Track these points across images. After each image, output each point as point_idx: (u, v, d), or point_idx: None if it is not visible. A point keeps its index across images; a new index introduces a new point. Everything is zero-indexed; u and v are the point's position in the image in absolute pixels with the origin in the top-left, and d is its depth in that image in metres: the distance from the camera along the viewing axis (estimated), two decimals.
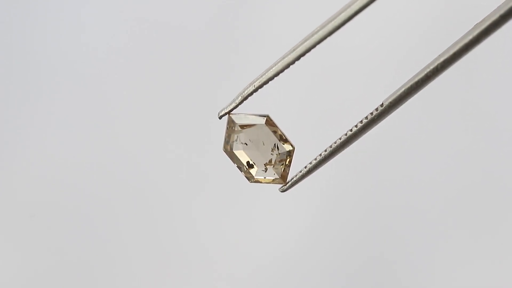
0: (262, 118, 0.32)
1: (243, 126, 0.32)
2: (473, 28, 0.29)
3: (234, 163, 0.32)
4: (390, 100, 0.30)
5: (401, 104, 0.30)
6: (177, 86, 0.65)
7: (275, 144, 0.32)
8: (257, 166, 0.31)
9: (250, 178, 0.32)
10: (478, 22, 0.29)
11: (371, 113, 0.30)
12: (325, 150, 0.31)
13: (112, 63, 0.65)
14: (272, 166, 0.31)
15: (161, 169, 0.64)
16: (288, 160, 0.32)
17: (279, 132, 0.32)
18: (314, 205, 0.63)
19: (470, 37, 0.29)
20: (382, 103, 0.30)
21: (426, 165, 0.63)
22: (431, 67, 0.30)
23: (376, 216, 0.63)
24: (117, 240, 0.63)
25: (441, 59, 0.29)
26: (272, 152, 0.32)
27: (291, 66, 0.35)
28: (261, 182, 0.32)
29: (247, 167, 0.32)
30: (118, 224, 0.63)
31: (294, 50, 0.34)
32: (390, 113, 0.30)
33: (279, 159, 0.32)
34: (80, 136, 0.64)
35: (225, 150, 0.32)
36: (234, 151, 0.32)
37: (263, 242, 0.63)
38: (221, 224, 0.63)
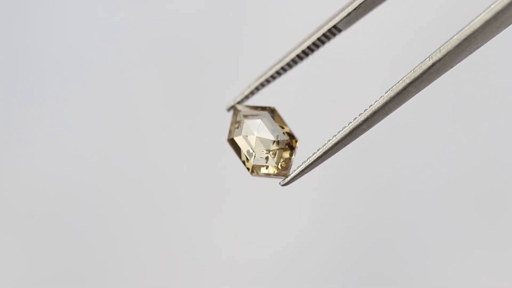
0: (267, 109, 0.32)
1: (247, 116, 0.31)
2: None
3: (236, 153, 0.32)
4: (392, 88, 0.29)
5: (406, 94, 0.29)
6: (183, 83, 0.65)
7: (278, 136, 0.31)
8: (257, 154, 0.31)
9: (250, 168, 0.31)
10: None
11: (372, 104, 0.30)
12: (328, 142, 0.30)
13: (116, 63, 0.65)
14: (273, 157, 0.31)
15: (165, 166, 0.64)
16: (290, 152, 0.31)
17: (284, 125, 0.32)
18: (314, 197, 0.63)
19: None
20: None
21: (431, 154, 0.62)
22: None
23: (377, 212, 0.62)
24: (120, 239, 0.64)
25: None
26: (274, 143, 0.31)
27: (301, 60, 0.34)
28: (261, 175, 0.31)
29: (247, 156, 0.31)
30: (122, 223, 0.64)
31: (301, 43, 0.33)
32: (395, 105, 0.29)
33: (281, 151, 0.31)
34: (83, 134, 0.65)
35: (229, 141, 0.32)
36: (236, 140, 0.31)
37: (264, 237, 0.63)
38: (222, 221, 0.64)
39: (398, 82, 0.29)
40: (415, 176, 0.62)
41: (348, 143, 0.30)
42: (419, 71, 0.29)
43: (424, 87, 0.29)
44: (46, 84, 0.65)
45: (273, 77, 0.34)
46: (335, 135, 0.30)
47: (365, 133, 0.30)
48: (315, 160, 0.30)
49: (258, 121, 0.31)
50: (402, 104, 0.30)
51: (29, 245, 0.64)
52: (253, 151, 0.31)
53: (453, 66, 0.29)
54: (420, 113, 0.62)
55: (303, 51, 0.33)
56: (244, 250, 0.63)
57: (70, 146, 0.64)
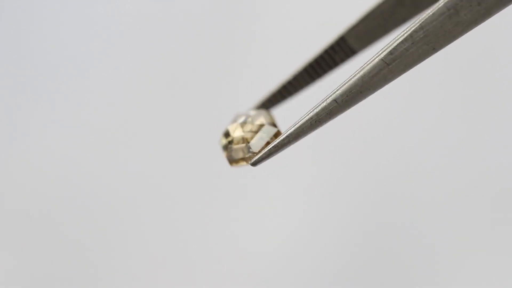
0: (258, 109, 0.31)
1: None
2: None
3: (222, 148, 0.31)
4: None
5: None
6: (177, 80, 0.65)
7: (261, 125, 0.30)
8: (234, 134, 0.30)
9: (228, 156, 0.30)
10: None
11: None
12: (299, 120, 0.28)
13: (113, 63, 0.66)
14: (249, 138, 0.30)
15: (159, 169, 0.64)
16: (271, 140, 0.30)
17: (273, 122, 0.31)
18: (312, 196, 0.62)
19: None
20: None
21: (436, 153, 0.61)
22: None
23: (378, 210, 0.61)
24: (114, 239, 0.63)
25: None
26: (256, 131, 0.30)
27: (312, 79, 0.33)
28: (239, 161, 0.30)
29: (225, 138, 0.30)
30: (116, 223, 0.63)
31: (310, 58, 0.33)
32: (372, 76, 0.28)
33: (261, 138, 0.30)
34: (81, 135, 0.65)
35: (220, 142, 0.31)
36: (224, 130, 0.31)
37: (261, 236, 0.62)
38: (217, 220, 0.63)
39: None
40: (417, 175, 0.61)
41: (322, 124, 0.28)
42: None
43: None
44: (43, 84, 0.66)
45: (282, 94, 0.33)
46: (306, 113, 0.28)
47: (342, 115, 0.28)
48: (284, 139, 0.29)
49: (244, 116, 0.31)
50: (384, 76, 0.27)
51: (23, 244, 0.63)
52: (232, 133, 0.30)
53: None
54: (421, 104, 0.61)
55: (312, 66, 0.33)
56: (241, 249, 0.62)
57: (65, 147, 0.65)
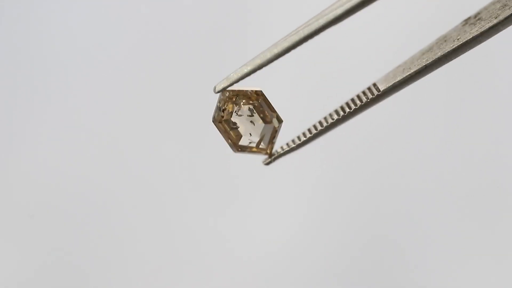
0: (254, 90, 0.31)
1: (234, 96, 0.31)
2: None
3: (220, 132, 0.31)
4: (386, 85, 0.29)
5: (398, 90, 0.29)
6: (172, 86, 0.65)
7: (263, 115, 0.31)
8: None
9: (235, 143, 0.30)
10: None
11: (366, 97, 0.29)
12: (315, 127, 0.30)
13: (110, 64, 0.66)
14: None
15: (155, 169, 0.63)
16: (273, 132, 0.30)
17: (271, 108, 0.31)
18: (312, 195, 0.62)
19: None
20: (378, 88, 0.29)
21: (431, 152, 0.62)
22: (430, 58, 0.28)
23: (376, 210, 0.61)
24: (123, 236, 0.63)
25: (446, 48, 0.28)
26: (258, 122, 0.30)
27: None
28: (246, 150, 0.30)
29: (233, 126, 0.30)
30: (124, 220, 0.63)
31: (297, 32, 0.32)
32: (385, 98, 0.29)
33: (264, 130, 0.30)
34: (80, 136, 0.65)
35: (214, 121, 0.31)
36: (223, 120, 0.31)
37: (260, 240, 0.62)
38: (221, 223, 0.63)
39: (394, 72, 0.29)
40: (414, 174, 0.62)
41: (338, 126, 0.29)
42: None
43: None
44: (42, 85, 0.67)
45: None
46: (325, 120, 0.30)
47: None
48: (301, 144, 0.30)
49: (246, 102, 0.31)
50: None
51: (24, 244, 0.63)
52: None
53: None
54: (422, 111, 0.62)
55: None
56: (242, 249, 0.62)
57: (65, 146, 0.65)
